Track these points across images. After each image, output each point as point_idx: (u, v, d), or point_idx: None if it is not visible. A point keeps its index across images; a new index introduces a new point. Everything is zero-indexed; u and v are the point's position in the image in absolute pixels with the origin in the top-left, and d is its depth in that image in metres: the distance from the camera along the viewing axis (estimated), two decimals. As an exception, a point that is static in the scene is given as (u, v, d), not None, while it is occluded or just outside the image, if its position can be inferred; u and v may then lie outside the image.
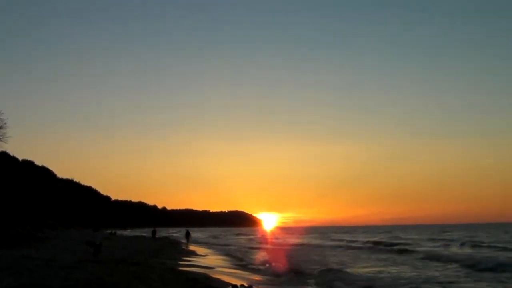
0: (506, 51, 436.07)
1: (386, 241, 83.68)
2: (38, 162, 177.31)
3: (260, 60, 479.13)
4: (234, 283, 23.01)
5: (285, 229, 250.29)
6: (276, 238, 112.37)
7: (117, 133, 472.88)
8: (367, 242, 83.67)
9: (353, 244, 77.29)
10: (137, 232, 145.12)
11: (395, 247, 65.54)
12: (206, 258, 46.63)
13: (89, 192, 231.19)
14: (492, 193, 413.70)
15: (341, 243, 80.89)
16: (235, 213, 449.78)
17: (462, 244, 68.40)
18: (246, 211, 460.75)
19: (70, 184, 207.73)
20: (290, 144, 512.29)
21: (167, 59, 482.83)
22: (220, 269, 35.06)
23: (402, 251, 57.25)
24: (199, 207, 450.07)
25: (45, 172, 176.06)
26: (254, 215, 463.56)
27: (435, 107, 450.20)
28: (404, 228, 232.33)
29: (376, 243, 79.08)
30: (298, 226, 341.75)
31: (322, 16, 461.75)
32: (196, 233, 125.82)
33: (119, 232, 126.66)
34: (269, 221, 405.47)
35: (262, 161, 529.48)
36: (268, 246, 78.88)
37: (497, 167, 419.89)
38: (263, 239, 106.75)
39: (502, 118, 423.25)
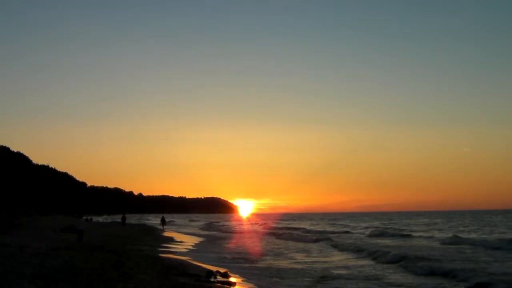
0: (485, 42, 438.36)
1: (320, 230, 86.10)
2: (14, 148, 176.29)
3: (235, 47, 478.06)
4: (209, 269, 23.02)
5: (259, 215, 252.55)
6: (223, 225, 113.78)
7: (94, 120, 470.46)
8: (301, 229, 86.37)
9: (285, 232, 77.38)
10: (112, 219, 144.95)
11: (319, 235, 65.54)
12: (182, 245, 46.71)
13: (65, 178, 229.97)
14: (470, 182, 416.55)
15: (279, 231, 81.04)
16: (211, 200, 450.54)
17: (381, 234, 68.39)
18: (222, 198, 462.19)
19: (46, 170, 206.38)
20: (267, 131, 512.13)
21: (145, 46, 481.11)
22: (196, 255, 35.11)
23: (317, 240, 57.11)
24: (175, 194, 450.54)
25: (21, 158, 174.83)
26: (230, 201, 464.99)
27: (414, 95, 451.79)
28: (373, 215, 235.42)
29: (307, 231, 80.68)
30: (273, 212, 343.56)
31: (297, 1, 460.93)
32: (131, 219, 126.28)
33: (95, 218, 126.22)
34: (245, 208, 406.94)
35: (239, 148, 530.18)
36: (207, 233, 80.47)
37: (475, 156, 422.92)
38: (209, 226, 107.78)
39: (480, 107, 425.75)
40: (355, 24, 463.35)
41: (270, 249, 43.84)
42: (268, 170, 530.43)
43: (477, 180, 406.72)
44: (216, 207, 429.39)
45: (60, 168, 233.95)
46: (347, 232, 76.87)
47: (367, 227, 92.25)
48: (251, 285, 21.08)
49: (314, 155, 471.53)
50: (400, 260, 31.33)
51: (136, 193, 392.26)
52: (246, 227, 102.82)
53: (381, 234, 67.52)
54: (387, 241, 53.24)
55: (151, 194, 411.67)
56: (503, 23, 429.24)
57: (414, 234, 65.55)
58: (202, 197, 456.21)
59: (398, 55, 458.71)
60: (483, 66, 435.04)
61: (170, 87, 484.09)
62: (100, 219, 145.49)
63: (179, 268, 22.20)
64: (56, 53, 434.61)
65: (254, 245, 49.10)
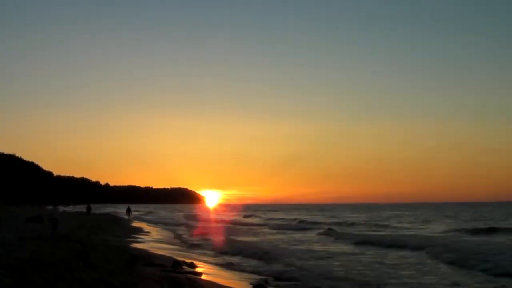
0: (452, 35, 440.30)
1: (246, 222, 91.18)
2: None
3: (204, 37, 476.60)
4: (176, 259, 23.20)
5: (227, 206, 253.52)
6: (156, 216, 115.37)
7: (60, 108, 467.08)
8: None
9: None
10: (79, 208, 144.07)
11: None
12: (149, 235, 46.81)
13: (31, 168, 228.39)
14: (435, 174, 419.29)
15: (196, 223, 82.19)
16: (178, 190, 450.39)
17: (284, 227, 70.55)
18: (189, 188, 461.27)
19: (12, 160, 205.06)
20: (235, 122, 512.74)
21: (111, 33, 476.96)
22: (162, 245, 35.26)
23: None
24: (143, 184, 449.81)
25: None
26: (197, 192, 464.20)
27: (381, 87, 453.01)
28: (334, 206, 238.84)
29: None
30: (239, 203, 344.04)
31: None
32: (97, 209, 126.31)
33: (61, 208, 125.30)
34: (212, 198, 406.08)
35: (207, 138, 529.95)
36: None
37: (440, 149, 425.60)
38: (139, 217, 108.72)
39: (445, 99, 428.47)
40: (324, 16, 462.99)
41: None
42: (236, 161, 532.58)
43: (442, 173, 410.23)
44: (183, 197, 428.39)
45: (26, 157, 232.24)
46: (264, 224, 79.99)
47: (295, 219, 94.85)
48: (218, 275, 21.31)
49: (283, 146, 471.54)
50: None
51: (103, 183, 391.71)
52: (178, 218, 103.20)
53: (284, 227, 69.89)
54: (276, 236, 55.13)
55: (118, 184, 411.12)
56: (471, 16, 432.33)
57: (313, 227, 68.21)
58: (169, 188, 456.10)
59: (365, 48, 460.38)
60: (450, 58, 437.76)
61: (137, 76, 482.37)
62: (67, 208, 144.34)
63: (145, 259, 22.34)
64: (20, 39, 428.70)
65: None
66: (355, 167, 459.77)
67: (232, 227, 72.34)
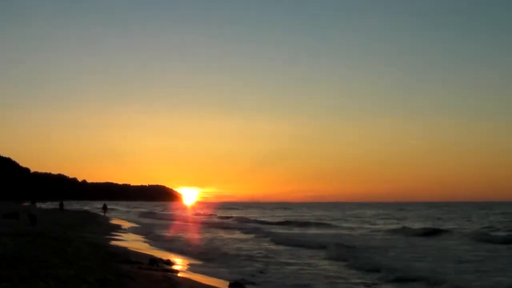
0: (435, 32, 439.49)
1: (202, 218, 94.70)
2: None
3: (184, 31, 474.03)
4: (153, 257, 23.18)
5: (204, 204, 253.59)
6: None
7: (37, 104, 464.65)
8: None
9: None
10: (55, 205, 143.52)
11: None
12: (126, 232, 46.76)
13: (8, 164, 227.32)
14: (416, 174, 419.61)
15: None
16: (156, 187, 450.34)
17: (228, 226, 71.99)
18: (166, 186, 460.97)
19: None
20: (213, 119, 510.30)
21: (90, 29, 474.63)
22: (140, 243, 35.25)
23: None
24: (120, 181, 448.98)
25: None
26: (175, 189, 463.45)
27: (363, 85, 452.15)
28: (315, 205, 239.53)
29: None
30: (217, 201, 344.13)
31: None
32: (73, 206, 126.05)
33: (38, 205, 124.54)
34: (190, 196, 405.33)
35: (184, 136, 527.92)
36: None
37: (422, 148, 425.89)
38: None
39: (427, 99, 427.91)
40: (299, 14, 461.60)
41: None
42: (215, 159, 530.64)
43: (424, 173, 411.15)
44: (160, 195, 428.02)
45: (3, 153, 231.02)
46: (207, 222, 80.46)
47: (242, 217, 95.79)
48: (194, 272, 21.33)
49: (263, 144, 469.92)
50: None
51: (80, 179, 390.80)
52: (132, 216, 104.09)
53: (223, 226, 70.53)
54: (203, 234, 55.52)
55: (95, 181, 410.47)
56: (459, 14, 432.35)
57: (248, 226, 68.25)
58: (147, 185, 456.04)
59: (346, 44, 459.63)
60: (432, 57, 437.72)
61: (115, 73, 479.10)
62: (43, 205, 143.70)
63: (122, 256, 22.31)
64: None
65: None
66: (339, 166, 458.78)
67: (174, 223, 72.82)
